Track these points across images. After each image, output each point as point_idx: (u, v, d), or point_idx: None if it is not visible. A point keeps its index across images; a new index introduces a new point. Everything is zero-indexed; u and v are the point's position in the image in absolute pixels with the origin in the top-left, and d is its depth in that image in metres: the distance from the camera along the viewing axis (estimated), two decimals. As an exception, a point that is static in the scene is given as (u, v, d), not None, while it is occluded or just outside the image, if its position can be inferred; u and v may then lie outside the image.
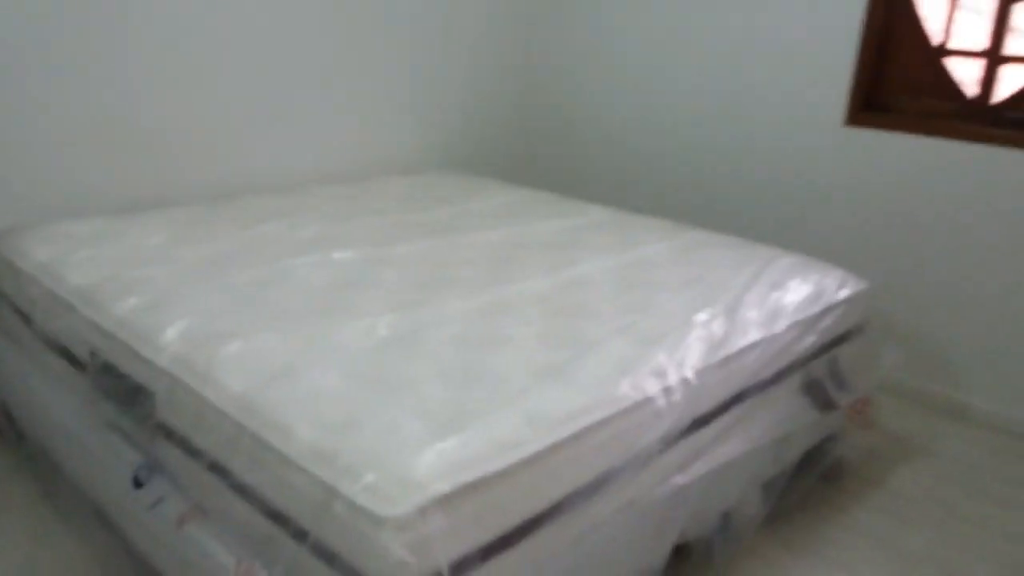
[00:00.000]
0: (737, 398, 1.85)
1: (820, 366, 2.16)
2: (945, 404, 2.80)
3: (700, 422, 1.74)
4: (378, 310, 1.81)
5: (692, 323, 1.85)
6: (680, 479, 1.69)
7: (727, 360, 1.79)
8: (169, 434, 1.56)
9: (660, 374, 1.64)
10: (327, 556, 1.25)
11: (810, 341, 2.06)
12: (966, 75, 2.67)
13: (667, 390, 1.63)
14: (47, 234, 2.17)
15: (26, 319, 2.03)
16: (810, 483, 2.20)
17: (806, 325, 2.04)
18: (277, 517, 1.33)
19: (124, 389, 1.66)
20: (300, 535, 1.29)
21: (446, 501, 1.23)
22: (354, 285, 1.97)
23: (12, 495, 2.06)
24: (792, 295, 2.09)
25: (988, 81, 2.61)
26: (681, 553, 1.86)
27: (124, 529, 1.73)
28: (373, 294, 1.92)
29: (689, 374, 1.69)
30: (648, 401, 1.58)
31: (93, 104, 2.42)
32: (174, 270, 1.97)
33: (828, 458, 2.27)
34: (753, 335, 1.89)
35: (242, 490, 1.40)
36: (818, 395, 2.14)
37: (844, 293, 2.20)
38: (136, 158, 2.55)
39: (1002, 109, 2.60)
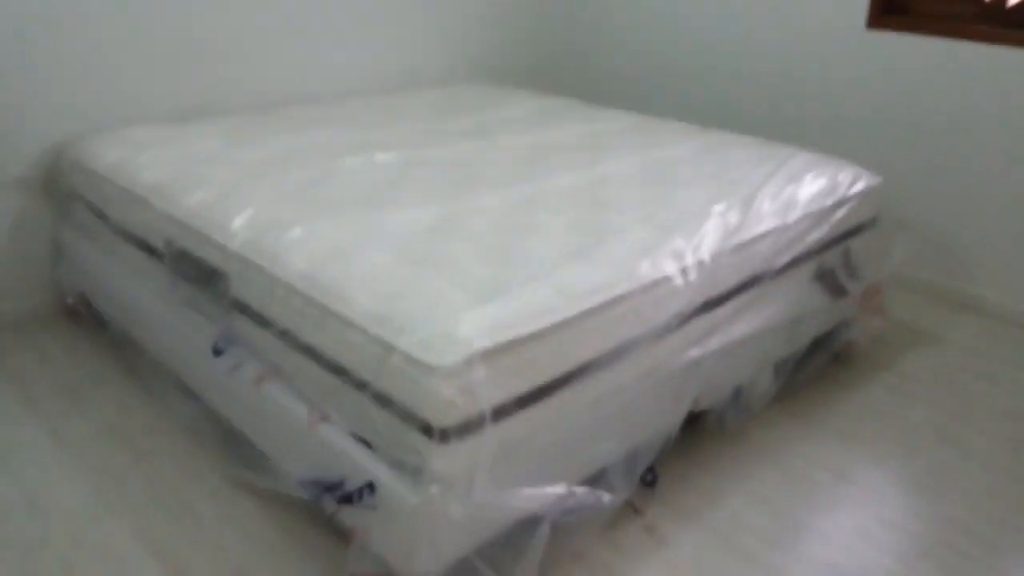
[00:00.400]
0: (751, 282, 2.01)
1: (833, 256, 2.31)
2: (958, 297, 2.94)
3: (715, 302, 1.91)
4: (420, 202, 1.99)
5: (709, 213, 2.00)
6: (695, 352, 1.88)
7: (741, 246, 1.95)
8: (243, 308, 1.78)
9: (677, 256, 1.81)
10: (385, 401, 1.46)
11: (823, 232, 2.20)
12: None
13: (683, 270, 1.79)
14: (114, 139, 2.37)
15: (101, 215, 2.25)
16: (821, 364, 2.39)
17: (819, 216, 2.18)
18: (340, 372, 1.54)
19: (200, 272, 1.87)
20: (361, 385, 1.50)
21: (487, 355, 1.42)
22: (396, 182, 2.14)
23: (98, 373, 2.32)
24: (806, 188, 2.23)
25: (1006, -19, 2.66)
26: (697, 420, 2.07)
27: (205, 395, 1.97)
28: (414, 189, 2.09)
29: (705, 257, 1.85)
30: (666, 279, 1.75)
31: (150, 22, 2.58)
32: (233, 169, 2.16)
33: (839, 342, 2.45)
34: (766, 224, 2.04)
35: (310, 351, 1.61)
36: (830, 283, 2.30)
37: (857, 187, 2.33)
38: (190, 71, 2.73)
39: (1018, 10, 2.65)
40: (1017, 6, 2.65)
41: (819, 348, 2.39)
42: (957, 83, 2.76)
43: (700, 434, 2.09)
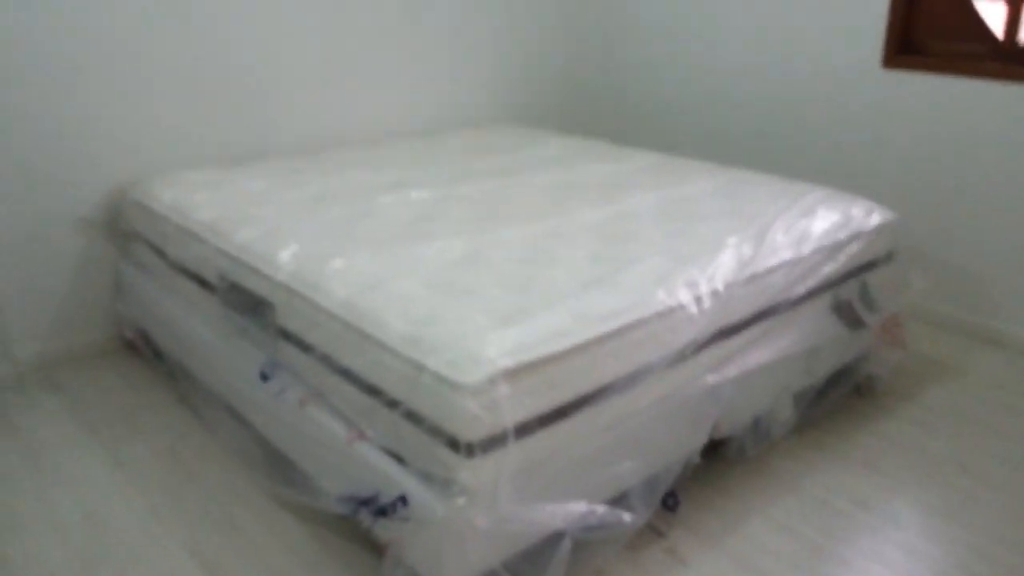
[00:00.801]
0: (766, 312, 2.10)
1: (850, 288, 2.38)
2: (980, 331, 2.97)
3: (730, 330, 2.00)
4: (450, 235, 2.13)
5: (724, 245, 2.10)
6: (712, 379, 1.96)
7: (754, 277, 2.04)
8: (287, 336, 1.92)
9: (691, 285, 1.91)
10: (415, 418, 1.58)
11: (837, 265, 2.28)
12: (995, 17, 2.80)
13: (698, 299, 1.89)
14: (171, 181, 2.57)
15: (159, 252, 2.43)
16: (841, 395, 2.44)
17: (832, 250, 2.26)
18: (375, 392, 1.67)
19: (249, 302, 2.03)
20: (394, 404, 1.62)
21: (509, 374, 1.53)
22: (429, 217, 2.29)
23: (153, 402, 2.49)
24: (820, 223, 2.31)
25: (1014, 22, 2.75)
26: (718, 448, 2.15)
27: (252, 418, 2.12)
28: (445, 224, 2.24)
29: (719, 286, 1.94)
30: (681, 307, 1.85)
31: (203, 74, 2.80)
32: (280, 208, 2.33)
33: (859, 374, 2.51)
34: (780, 256, 2.13)
35: (347, 373, 1.74)
36: (847, 314, 2.37)
37: (872, 222, 2.40)
38: (240, 118, 2.94)
39: (1030, 49, 2.75)
40: (1028, 45, 2.74)
41: (839, 380, 2.45)
42: (972, 120, 2.84)
43: (721, 462, 2.17)
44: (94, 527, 1.94)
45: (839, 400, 2.45)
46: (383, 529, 1.65)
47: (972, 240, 2.94)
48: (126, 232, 2.65)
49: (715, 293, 1.93)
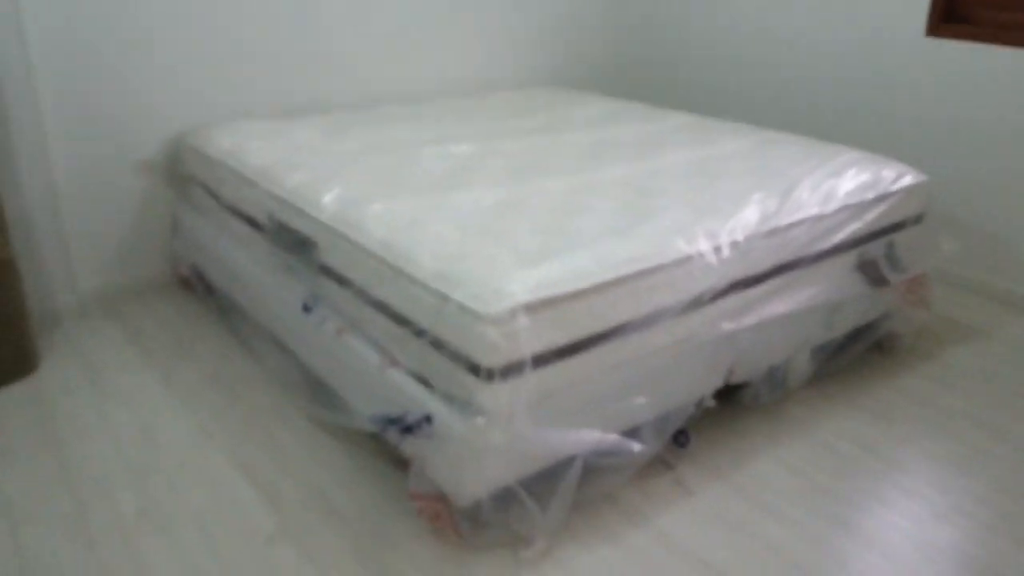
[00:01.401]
0: (787, 266, 2.17)
1: (876, 248, 2.43)
2: (1007, 296, 2.99)
3: (750, 281, 2.08)
4: (486, 186, 2.24)
5: (748, 200, 2.17)
6: (728, 326, 2.05)
7: (775, 231, 2.11)
8: (328, 272, 2.06)
9: (711, 236, 1.99)
10: (441, 346, 1.71)
11: (864, 224, 2.33)
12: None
13: (717, 249, 1.97)
14: (228, 130, 2.73)
15: (214, 195, 2.60)
16: (861, 351, 2.50)
17: (858, 209, 2.31)
18: (405, 322, 1.80)
19: (295, 241, 2.18)
20: (421, 333, 1.75)
21: (529, 308, 1.65)
22: (468, 169, 2.41)
23: (204, 332, 2.68)
24: (848, 183, 2.36)
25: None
26: (734, 394, 2.24)
27: (294, 347, 2.27)
28: (483, 175, 2.35)
29: (739, 238, 2.02)
30: (699, 256, 1.94)
31: (263, 31, 2.94)
32: (328, 157, 2.47)
33: (881, 331, 2.56)
34: (804, 212, 2.19)
35: (381, 306, 1.88)
36: (872, 272, 2.41)
37: (902, 184, 2.44)
38: (294, 74, 3.08)
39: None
40: (1078, 13, 2.72)
41: (861, 336, 2.51)
42: (1013, 90, 2.82)
43: (736, 407, 2.26)
44: (147, 439, 2.12)
45: (859, 355, 2.51)
46: (409, 446, 1.79)
47: (1006, 208, 2.94)
48: (183, 176, 2.83)
49: (735, 244, 2.01)
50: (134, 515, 1.84)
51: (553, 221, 2.02)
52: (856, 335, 2.50)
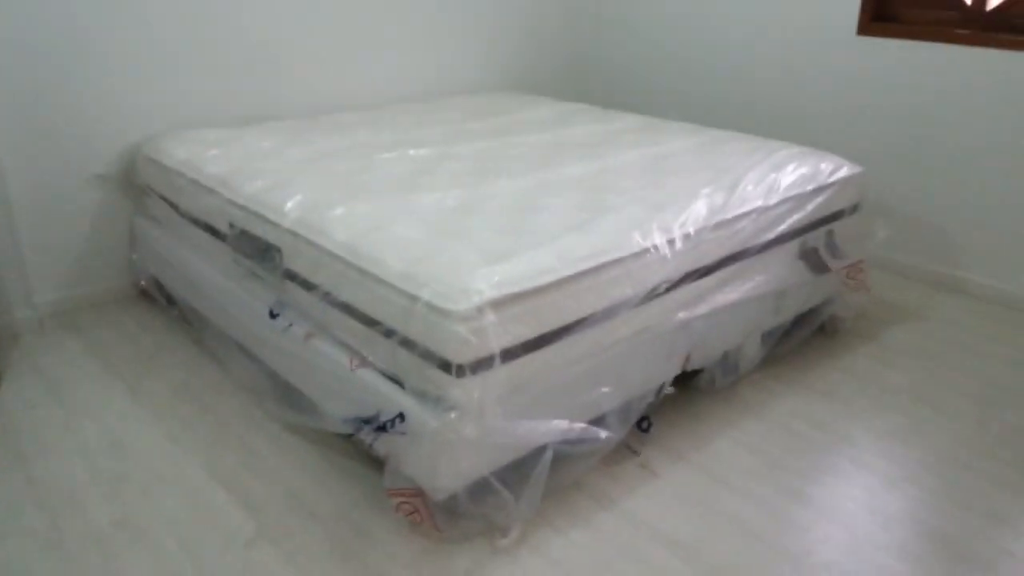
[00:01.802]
0: (735, 256, 2.27)
1: (817, 237, 2.56)
2: (941, 279, 3.17)
3: (702, 272, 2.17)
4: (445, 188, 2.30)
5: (697, 195, 2.27)
6: (684, 315, 2.15)
7: (723, 223, 2.21)
8: (293, 276, 2.09)
9: (665, 229, 2.08)
10: (411, 345, 1.75)
11: (805, 214, 2.45)
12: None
13: (670, 241, 2.06)
14: (184, 139, 2.73)
15: (172, 205, 2.60)
16: (807, 334, 2.64)
17: (799, 200, 2.44)
18: (374, 323, 1.85)
19: (258, 248, 2.20)
20: (390, 333, 1.80)
21: (495, 304, 1.71)
22: (426, 172, 2.46)
23: (168, 343, 2.67)
24: (789, 176, 2.48)
25: (980, -12, 2.91)
26: (690, 380, 2.34)
27: (262, 354, 2.30)
28: (442, 178, 2.40)
29: (690, 231, 2.12)
30: (654, 249, 2.02)
31: (214, 40, 2.95)
32: (286, 163, 2.49)
33: (825, 315, 2.70)
34: (749, 205, 2.30)
35: (348, 308, 1.92)
36: (813, 260, 2.55)
37: (838, 175, 2.57)
38: (248, 82, 3.10)
39: (995, 15, 2.90)
40: (996, 11, 2.89)
41: (806, 320, 2.64)
42: (941, 83, 3.00)
43: (693, 392, 2.36)
44: (116, 450, 2.12)
45: (805, 338, 2.64)
46: (383, 444, 1.84)
47: (937, 195, 3.12)
48: (139, 186, 2.82)
49: (686, 237, 2.10)
50: (109, 526, 1.85)
51: (513, 220, 2.08)
52: (802, 320, 2.63)
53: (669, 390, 2.18)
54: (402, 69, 3.59)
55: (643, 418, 2.14)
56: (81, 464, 2.07)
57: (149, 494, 1.96)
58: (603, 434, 1.95)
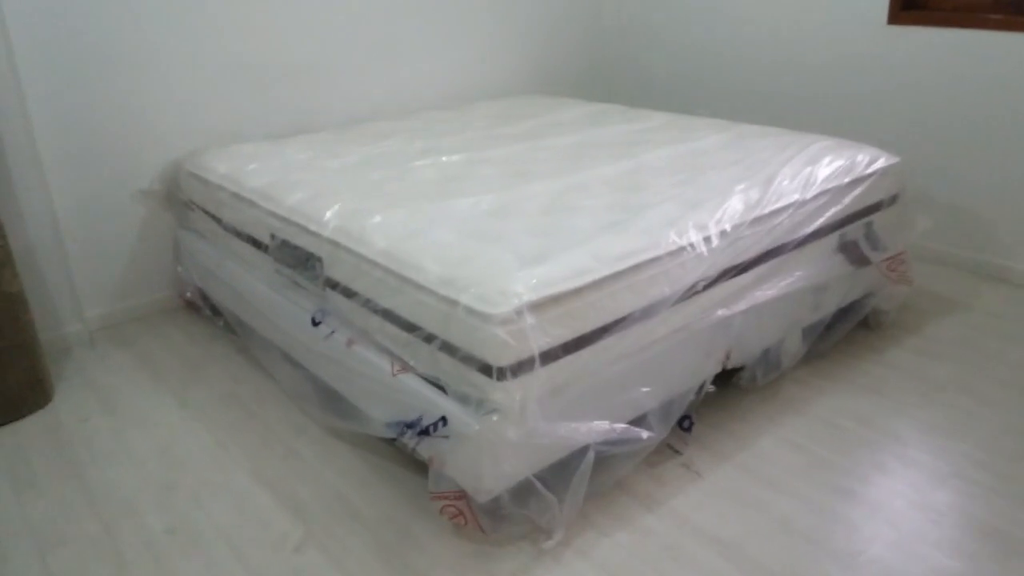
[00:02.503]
0: (773, 252, 2.26)
1: (856, 229, 2.53)
2: (983, 268, 3.11)
3: (739, 269, 2.16)
4: (479, 192, 2.32)
5: (732, 191, 2.26)
6: (723, 312, 2.14)
7: (760, 219, 2.20)
8: (334, 285, 2.13)
9: (701, 227, 2.08)
10: (451, 349, 1.78)
11: (843, 207, 2.42)
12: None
13: (707, 239, 2.06)
14: (224, 154, 2.79)
15: (215, 218, 2.66)
16: (848, 329, 2.60)
17: (837, 193, 2.41)
18: (414, 328, 1.87)
19: (299, 257, 2.24)
20: (431, 338, 1.82)
21: (534, 307, 1.72)
22: (460, 178, 2.48)
23: (213, 353, 2.73)
24: (825, 169, 2.45)
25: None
26: (731, 377, 2.32)
27: (305, 361, 2.34)
28: (475, 182, 2.42)
29: (726, 227, 2.11)
30: (691, 247, 2.02)
31: (252, 58, 3.02)
32: (324, 174, 2.53)
33: (867, 309, 2.66)
34: (785, 200, 2.28)
35: (389, 314, 1.94)
36: (853, 253, 2.52)
37: (875, 167, 2.54)
38: (284, 97, 3.17)
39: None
40: (1031, -6, 2.84)
41: (848, 314, 2.61)
42: (975, 69, 2.95)
43: (734, 390, 2.35)
44: (167, 459, 2.18)
45: (847, 333, 2.60)
46: (426, 448, 1.86)
47: (975, 182, 3.06)
48: (183, 201, 2.88)
49: (723, 234, 2.10)
50: (162, 533, 1.90)
51: (548, 222, 2.10)
52: (843, 314, 2.60)
53: (710, 388, 2.17)
54: (430, 77, 3.63)
55: (684, 417, 2.13)
56: (133, 472, 2.13)
57: (199, 501, 2.01)
58: (645, 434, 1.95)
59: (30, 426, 2.35)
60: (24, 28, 2.52)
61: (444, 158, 2.70)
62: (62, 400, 2.48)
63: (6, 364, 2.33)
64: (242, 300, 2.60)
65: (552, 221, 2.10)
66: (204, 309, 2.91)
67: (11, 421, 2.37)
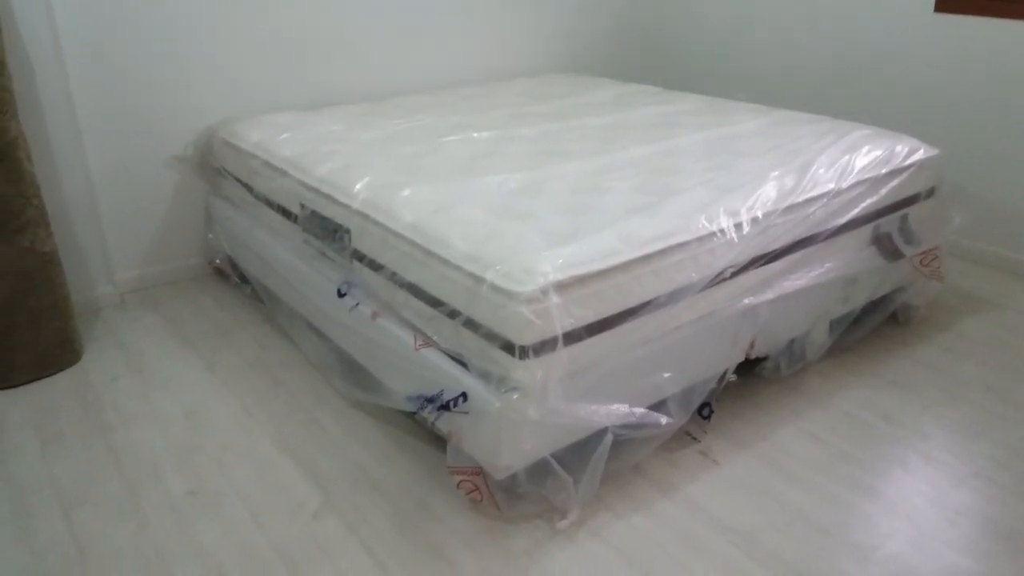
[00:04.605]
0: (805, 241, 2.23)
1: (890, 222, 2.49)
2: (1018, 267, 3.04)
3: (770, 257, 2.14)
4: (508, 170, 2.31)
5: (766, 177, 2.23)
6: (750, 301, 2.12)
7: (794, 207, 2.17)
8: (361, 257, 2.14)
9: (732, 213, 2.05)
10: (475, 326, 1.78)
11: (878, 198, 2.38)
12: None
13: (738, 226, 2.04)
14: (257, 123, 2.80)
15: (246, 186, 2.68)
16: (877, 323, 2.57)
17: (873, 184, 2.37)
18: (439, 304, 1.88)
19: (327, 228, 2.25)
20: (455, 314, 1.83)
21: (559, 287, 1.71)
22: (489, 154, 2.47)
23: (241, 319, 2.77)
24: (863, 159, 2.41)
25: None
26: (754, 367, 2.31)
27: (330, 332, 2.36)
28: (504, 160, 2.41)
29: (758, 215, 2.09)
30: (720, 233, 2.00)
31: (285, 28, 3.03)
32: (354, 146, 2.54)
33: (896, 303, 2.62)
34: (820, 188, 2.25)
35: (414, 288, 1.95)
36: (886, 246, 2.47)
37: (914, 158, 2.49)
38: (317, 68, 3.17)
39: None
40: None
41: (877, 308, 2.57)
42: (1019, 61, 2.87)
43: (757, 380, 2.33)
44: (192, 422, 2.21)
45: (875, 327, 2.57)
46: (446, 423, 1.87)
47: (1014, 179, 2.99)
48: (215, 168, 2.91)
49: (754, 221, 2.07)
50: (183, 495, 1.93)
51: (577, 202, 2.08)
52: (872, 307, 2.56)
53: (732, 377, 2.15)
54: (463, 53, 3.61)
55: (705, 404, 2.12)
56: (159, 434, 2.16)
57: (222, 464, 2.04)
58: (664, 420, 1.95)
59: (59, 384, 2.40)
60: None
61: (475, 134, 2.69)
62: (91, 360, 2.53)
63: (38, 322, 2.38)
64: (270, 269, 2.62)
65: (581, 201, 2.08)
66: (232, 276, 2.94)
67: (41, 378, 2.42)
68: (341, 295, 2.21)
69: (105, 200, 2.81)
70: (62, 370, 2.47)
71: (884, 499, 1.89)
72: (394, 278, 2.02)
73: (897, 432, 2.14)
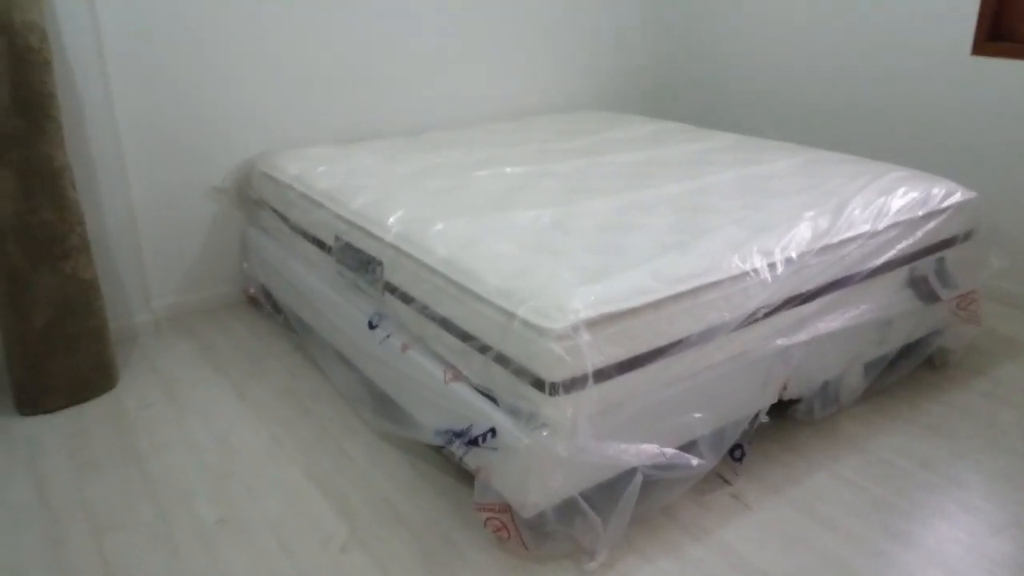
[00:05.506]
0: (839, 283, 2.21)
1: (927, 264, 2.45)
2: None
3: (804, 298, 2.12)
4: (540, 205, 2.32)
5: (800, 217, 2.22)
6: (783, 342, 2.10)
7: (828, 248, 2.15)
8: (393, 289, 2.16)
9: (766, 253, 2.04)
10: (505, 361, 1.78)
11: (914, 240, 2.36)
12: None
13: (772, 266, 2.02)
14: (295, 156, 2.86)
15: (282, 217, 2.72)
16: (912, 366, 2.52)
17: (909, 226, 2.35)
18: (469, 338, 1.88)
19: (360, 260, 2.28)
20: (485, 348, 1.83)
21: (591, 324, 1.71)
22: (521, 189, 2.49)
23: (273, 349, 2.80)
24: (899, 200, 2.39)
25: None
26: (787, 409, 2.28)
27: (360, 363, 2.37)
28: (536, 195, 2.43)
29: (792, 255, 2.07)
30: (754, 272, 1.99)
31: (322, 65, 3.10)
32: (388, 179, 2.58)
33: (932, 347, 2.58)
34: (855, 230, 2.23)
35: (445, 322, 1.96)
36: (922, 289, 2.44)
37: (951, 201, 2.46)
38: (353, 103, 3.24)
39: None
40: None
41: (913, 351, 2.53)
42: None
43: (790, 422, 2.30)
44: (224, 449, 2.23)
45: (911, 371, 2.53)
46: (474, 458, 1.87)
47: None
48: (253, 199, 2.97)
49: (788, 261, 2.06)
50: (214, 523, 1.94)
51: (608, 239, 2.09)
52: (907, 351, 2.52)
53: (764, 419, 2.13)
54: (496, 89, 3.67)
55: (736, 446, 2.09)
56: (191, 461, 2.18)
57: (252, 493, 2.05)
58: (694, 461, 1.93)
59: (94, 409, 2.44)
60: (114, 24, 2.62)
61: (507, 169, 2.71)
62: (126, 386, 2.57)
63: (76, 347, 2.43)
64: (303, 299, 2.65)
65: (612, 238, 2.09)
66: (266, 306, 2.98)
67: (76, 403, 2.46)
68: (372, 327, 2.23)
69: (145, 228, 2.87)
70: (97, 396, 2.50)
71: (920, 547, 1.85)
72: (425, 311, 2.03)
73: (933, 478, 2.09)
